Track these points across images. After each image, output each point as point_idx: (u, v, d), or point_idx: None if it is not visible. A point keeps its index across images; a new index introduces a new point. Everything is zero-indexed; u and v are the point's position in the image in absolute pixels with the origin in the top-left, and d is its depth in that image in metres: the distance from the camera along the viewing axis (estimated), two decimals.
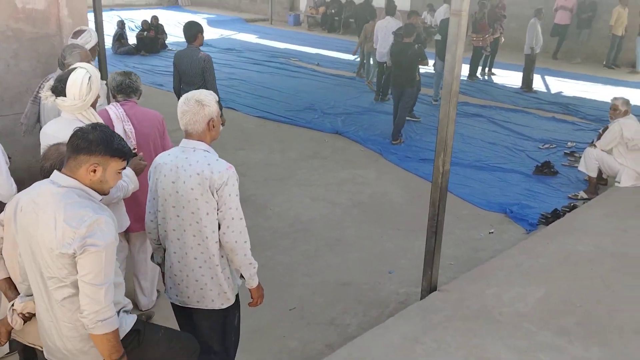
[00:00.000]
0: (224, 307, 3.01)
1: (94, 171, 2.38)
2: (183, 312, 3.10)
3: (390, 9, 10.33)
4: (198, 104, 2.81)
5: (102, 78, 6.50)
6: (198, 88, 5.74)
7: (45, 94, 3.33)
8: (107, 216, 2.37)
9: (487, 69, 12.93)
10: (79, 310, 2.35)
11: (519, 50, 12.25)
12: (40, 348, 2.69)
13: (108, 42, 12.33)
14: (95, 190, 2.42)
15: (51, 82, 3.44)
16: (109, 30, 13.95)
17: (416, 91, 8.84)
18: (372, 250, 5.33)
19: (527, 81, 11.66)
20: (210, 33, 17.21)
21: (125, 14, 18.97)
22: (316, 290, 4.65)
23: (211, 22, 19.64)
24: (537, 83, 12.11)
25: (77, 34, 4.81)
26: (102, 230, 2.30)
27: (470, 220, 6.04)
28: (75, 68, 3.37)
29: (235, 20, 20.86)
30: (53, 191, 2.36)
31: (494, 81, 12.58)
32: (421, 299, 4.22)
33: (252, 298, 3.10)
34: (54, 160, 2.69)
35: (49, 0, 5.21)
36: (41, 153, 2.95)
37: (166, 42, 14.96)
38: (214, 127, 2.86)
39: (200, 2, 24.56)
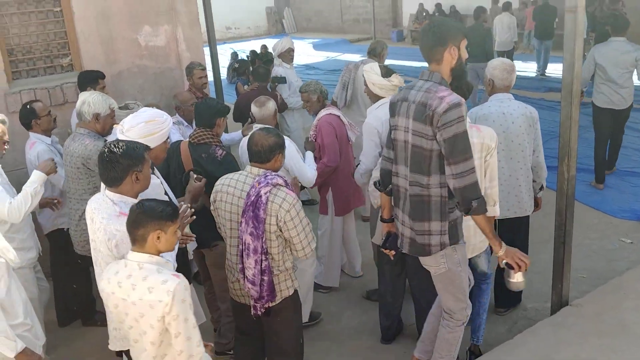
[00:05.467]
0: (531, 213, 4.12)
1: None
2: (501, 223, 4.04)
3: (506, 6, 11.90)
4: (511, 66, 3.93)
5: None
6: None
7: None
8: None
9: None
10: None
11: None
12: None
13: (223, 73, 13.00)
14: None
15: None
16: (223, 62, 14.73)
17: None
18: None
19: None
20: (316, 57, 17.67)
21: (238, 46, 19.98)
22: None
23: (317, 46, 20.15)
24: None
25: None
26: None
27: (601, 230, 5.59)
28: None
29: (340, 42, 21.24)
30: None
31: None
32: (551, 314, 3.93)
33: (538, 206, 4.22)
34: None
35: (168, 37, 5.61)
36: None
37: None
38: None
39: (305, 28, 25.34)
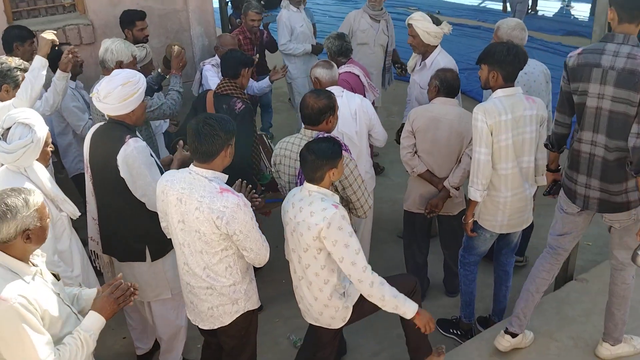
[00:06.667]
0: None
1: None
2: None
3: None
4: (523, 24, 3.94)
5: None
6: None
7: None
8: None
9: None
10: None
11: None
12: None
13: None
14: None
15: None
16: None
17: None
18: None
19: None
20: None
21: None
22: (432, 272, 4.48)
23: None
24: None
25: None
26: None
27: None
28: None
29: None
30: None
31: None
32: (555, 289, 3.94)
33: None
34: None
35: None
36: None
37: None
38: None
39: None
